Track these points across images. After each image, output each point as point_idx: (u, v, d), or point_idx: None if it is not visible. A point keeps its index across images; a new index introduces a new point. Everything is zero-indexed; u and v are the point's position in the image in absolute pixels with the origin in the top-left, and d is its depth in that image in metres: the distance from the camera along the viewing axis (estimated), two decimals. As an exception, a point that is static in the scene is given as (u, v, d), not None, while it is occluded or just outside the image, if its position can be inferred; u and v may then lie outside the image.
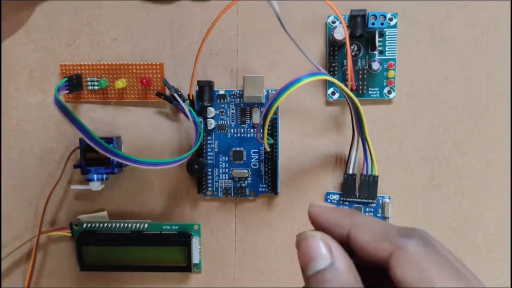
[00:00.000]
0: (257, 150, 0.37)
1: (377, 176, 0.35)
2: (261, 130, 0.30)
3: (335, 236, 0.21)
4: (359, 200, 0.37)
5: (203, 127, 0.36)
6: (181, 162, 0.32)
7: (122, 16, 0.37)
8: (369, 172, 0.35)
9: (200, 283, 0.40)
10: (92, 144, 0.28)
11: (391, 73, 0.36)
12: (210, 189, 0.38)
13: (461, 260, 0.19)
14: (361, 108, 0.32)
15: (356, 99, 0.31)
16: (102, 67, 0.37)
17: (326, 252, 0.20)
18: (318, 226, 0.22)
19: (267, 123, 0.29)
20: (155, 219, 0.39)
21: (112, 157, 0.28)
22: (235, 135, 0.37)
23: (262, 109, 0.37)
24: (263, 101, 0.36)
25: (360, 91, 0.36)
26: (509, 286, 0.38)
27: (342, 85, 0.30)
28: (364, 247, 0.20)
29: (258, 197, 0.38)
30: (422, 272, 0.18)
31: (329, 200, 0.37)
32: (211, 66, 0.37)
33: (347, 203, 0.37)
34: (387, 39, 0.36)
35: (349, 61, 0.33)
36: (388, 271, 0.19)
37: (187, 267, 0.38)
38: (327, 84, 0.37)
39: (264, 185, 0.38)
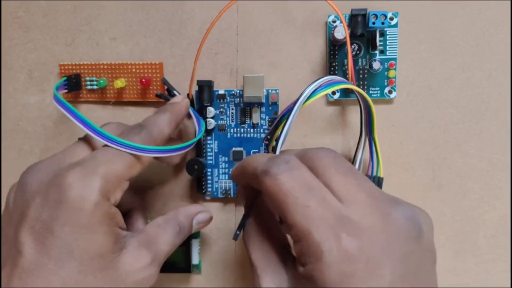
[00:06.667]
0: (257, 151, 0.37)
1: (382, 178, 0.35)
2: (268, 138, 0.31)
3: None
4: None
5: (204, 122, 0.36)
6: (189, 148, 0.32)
7: (121, 16, 0.37)
8: (375, 174, 0.35)
9: (199, 284, 0.40)
10: (97, 137, 0.28)
11: (392, 73, 0.36)
12: (209, 189, 0.38)
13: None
14: (374, 111, 0.32)
15: (371, 102, 0.31)
16: (101, 66, 0.37)
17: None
18: (239, 182, 0.30)
19: (277, 133, 0.29)
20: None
21: (120, 148, 0.28)
22: (235, 135, 0.37)
23: (271, 116, 0.37)
24: (263, 101, 0.36)
25: (361, 91, 0.36)
26: (509, 287, 0.38)
27: (360, 90, 0.30)
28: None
29: (258, 197, 0.38)
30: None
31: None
32: (211, 66, 0.37)
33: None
34: (388, 38, 0.35)
35: (349, 61, 0.33)
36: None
37: (186, 268, 0.37)
38: (328, 83, 0.36)
39: (264, 186, 0.37)
